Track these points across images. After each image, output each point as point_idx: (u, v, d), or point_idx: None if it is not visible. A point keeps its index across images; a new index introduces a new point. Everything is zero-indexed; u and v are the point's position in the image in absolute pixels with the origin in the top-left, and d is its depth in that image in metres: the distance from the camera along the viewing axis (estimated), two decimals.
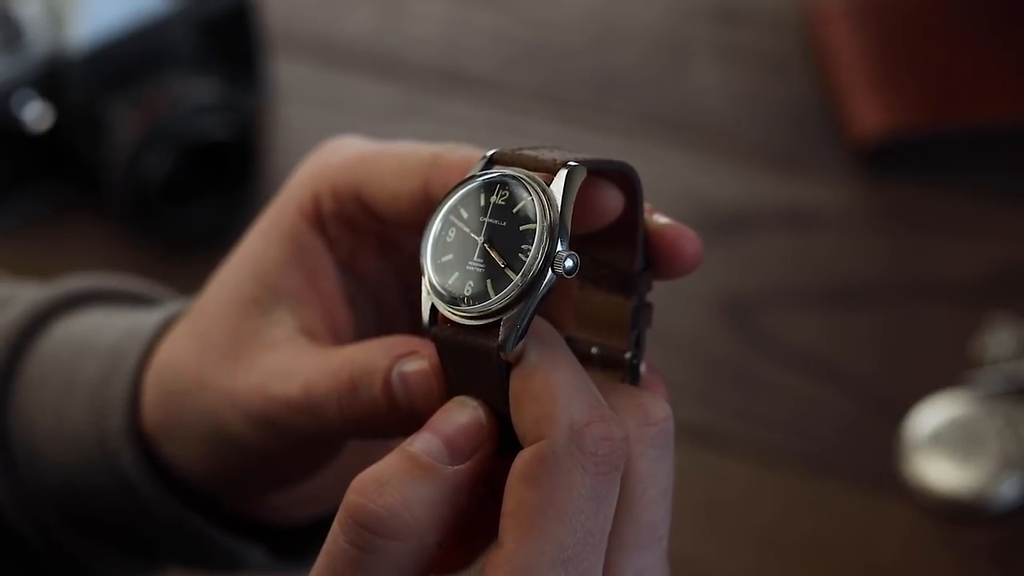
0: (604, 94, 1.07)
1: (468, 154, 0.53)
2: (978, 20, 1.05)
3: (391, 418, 0.51)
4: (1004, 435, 0.86)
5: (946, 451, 0.86)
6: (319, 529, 0.62)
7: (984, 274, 0.95)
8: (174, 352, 0.57)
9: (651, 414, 0.48)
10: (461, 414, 0.48)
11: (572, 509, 0.45)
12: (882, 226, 0.99)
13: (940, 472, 0.85)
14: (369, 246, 0.56)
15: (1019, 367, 0.89)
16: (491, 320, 0.47)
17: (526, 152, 0.49)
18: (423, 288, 0.49)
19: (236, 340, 0.55)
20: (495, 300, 0.47)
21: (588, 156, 0.49)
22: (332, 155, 0.56)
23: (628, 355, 0.52)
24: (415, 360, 0.50)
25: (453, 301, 0.48)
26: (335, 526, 0.46)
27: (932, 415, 0.87)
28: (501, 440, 0.48)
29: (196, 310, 0.57)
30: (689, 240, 0.51)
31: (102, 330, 0.61)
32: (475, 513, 0.48)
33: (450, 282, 0.48)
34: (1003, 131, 1.01)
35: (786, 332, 0.93)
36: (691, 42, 1.10)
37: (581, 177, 0.48)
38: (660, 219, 0.52)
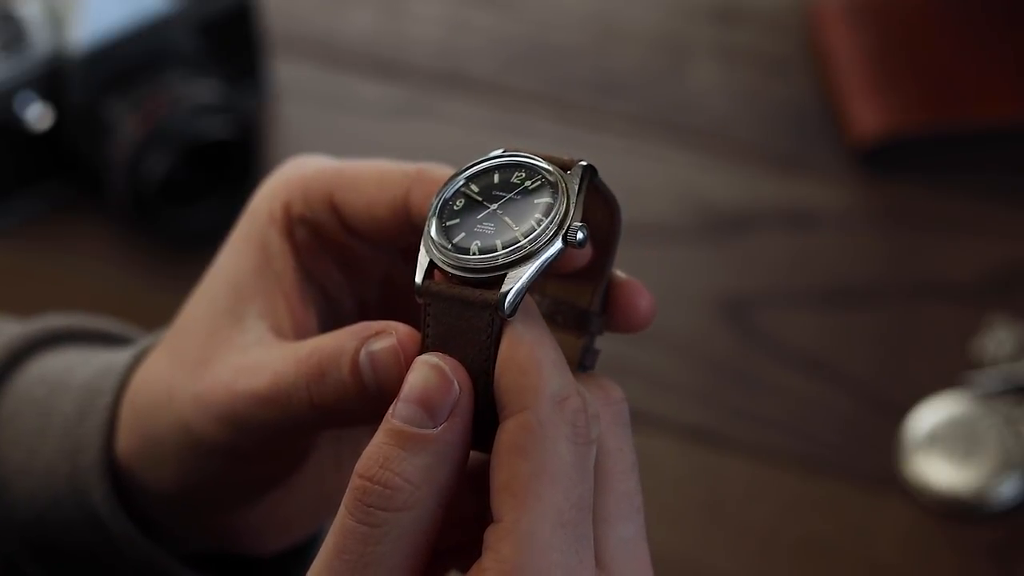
0: (604, 95, 1.07)
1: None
2: (978, 20, 1.06)
3: (360, 401, 0.51)
4: (1003, 435, 0.86)
5: (946, 450, 0.86)
6: (286, 564, 0.62)
7: (984, 274, 0.95)
8: (147, 373, 0.58)
9: (611, 394, 0.50)
10: (427, 373, 0.48)
11: (563, 474, 0.47)
12: (882, 226, 0.99)
13: (940, 471, 0.85)
14: (332, 258, 0.57)
15: (1019, 367, 0.89)
16: (494, 275, 0.48)
17: (539, 151, 0.51)
18: (422, 248, 0.49)
19: (207, 348, 0.55)
20: (502, 254, 0.48)
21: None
22: (304, 166, 0.57)
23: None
24: (383, 338, 0.51)
25: (457, 254, 0.48)
26: (342, 508, 0.47)
27: (932, 415, 0.87)
28: (476, 400, 0.48)
29: (174, 330, 0.58)
30: (644, 298, 0.53)
31: (76, 368, 0.61)
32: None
33: (455, 241, 0.49)
34: (1003, 131, 1.01)
35: (786, 332, 0.93)
36: (691, 43, 1.10)
37: (594, 175, 0.50)
38: (620, 274, 0.53)
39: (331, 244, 0.57)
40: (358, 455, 0.58)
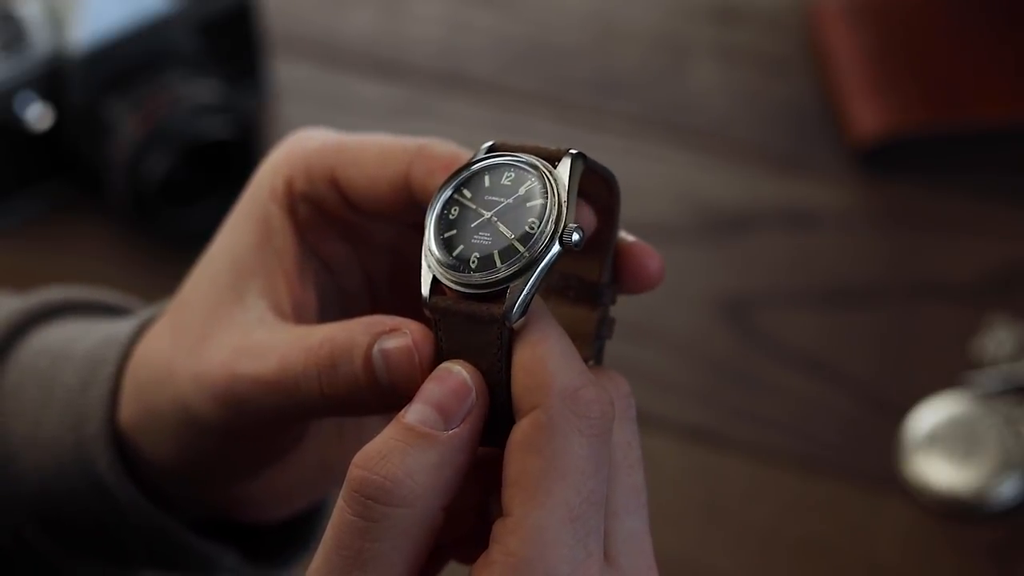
0: (604, 95, 1.07)
1: (455, 149, 0.54)
2: (978, 20, 1.06)
3: (371, 394, 0.51)
4: (1003, 435, 0.86)
5: (946, 450, 0.86)
6: (293, 531, 0.63)
7: (984, 274, 0.95)
8: (149, 347, 0.58)
9: (620, 388, 0.51)
10: (449, 379, 0.48)
11: (574, 470, 0.47)
12: (882, 226, 0.99)
13: (940, 471, 0.85)
14: (335, 232, 0.57)
15: (1019, 367, 0.89)
16: (497, 288, 0.48)
17: (527, 143, 0.51)
18: (424, 262, 0.50)
19: (208, 325, 0.56)
20: (502, 268, 0.48)
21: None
22: (306, 140, 0.57)
23: (590, 363, 0.53)
24: (396, 337, 0.51)
25: (458, 270, 0.49)
26: (340, 502, 0.47)
27: (932, 415, 0.87)
28: (493, 408, 0.49)
29: (175, 305, 0.58)
30: (653, 259, 0.53)
31: (78, 339, 0.61)
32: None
33: (455, 254, 0.49)
34: (1003, 131, 1.01)
35: (786, 332, 0.93)
36: (691, 43, 1.10)
37: (583, 163, 0.50)
38: (627, 237, 0.53)
39: (334, 219, 0.56)
40: (360, 425, 0.58)
